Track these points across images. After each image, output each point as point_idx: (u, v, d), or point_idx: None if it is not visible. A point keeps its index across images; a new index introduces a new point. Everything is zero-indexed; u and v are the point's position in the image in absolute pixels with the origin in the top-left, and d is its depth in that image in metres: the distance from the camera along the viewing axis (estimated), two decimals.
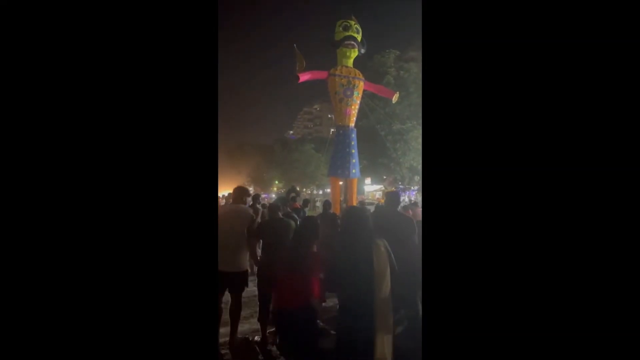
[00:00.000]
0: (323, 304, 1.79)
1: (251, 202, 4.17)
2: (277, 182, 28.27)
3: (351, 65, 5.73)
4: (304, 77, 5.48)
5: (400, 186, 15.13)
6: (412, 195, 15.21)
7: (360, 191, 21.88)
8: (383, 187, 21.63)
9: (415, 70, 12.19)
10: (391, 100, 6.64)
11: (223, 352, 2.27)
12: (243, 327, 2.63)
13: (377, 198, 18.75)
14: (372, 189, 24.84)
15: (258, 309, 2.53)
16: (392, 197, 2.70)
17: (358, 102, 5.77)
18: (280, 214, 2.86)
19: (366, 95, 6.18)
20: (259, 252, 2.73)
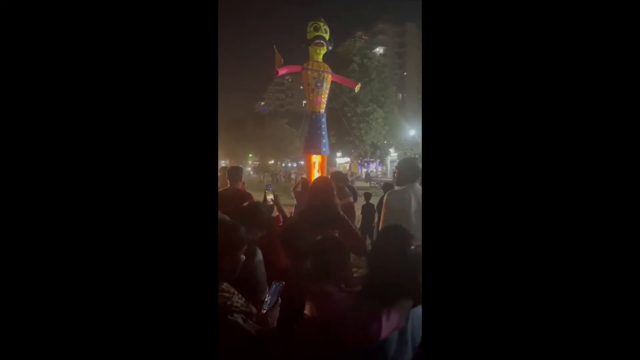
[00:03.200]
0: None
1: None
2: (250, 155, 28.80)
3: (321, 60, 6.83)
4: (282, 71, 6.56)
5: (365, 160, 17.14)
6: (368, 166, 17.47)
7: (332, 163, 23.58)
8: (350, 160, 23.62)
9: (377, 58, 13.59)
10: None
11: None
12: None
13: (347, 170, 20.43)
14: (342, 161, 26.76)
15: None
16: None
17: (327, 91, 6.95)
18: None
19: (334, 84, 7.41)
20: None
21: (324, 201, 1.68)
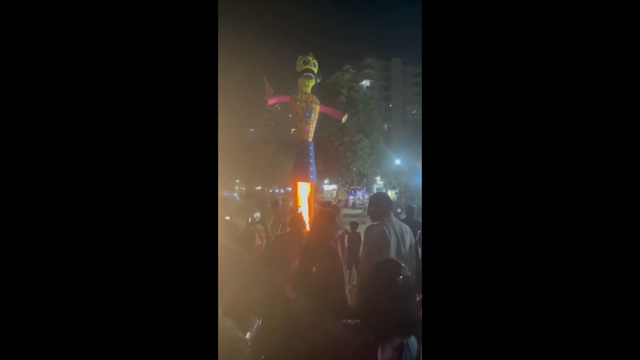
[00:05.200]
0: None
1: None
2: (237, 180, 28.58)
3: (309, 92, 7.12)
4: (271, 101, 6.76)
5: (352, 187, 17.41)
6: (355, 194, 17.70)
7: (320, 190, 23.74)
8: (337, 187, 23.94)
9: (363, 90, 14.32)
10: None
11: None
12: None
13: (335, 197, 20.53)
14: (329, 188, 27.05)
15: None
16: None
17: (315, 121, 7.17)
18: None
19: (322, 114, 7.68)
20: None
21: (324, 233, 1.74)
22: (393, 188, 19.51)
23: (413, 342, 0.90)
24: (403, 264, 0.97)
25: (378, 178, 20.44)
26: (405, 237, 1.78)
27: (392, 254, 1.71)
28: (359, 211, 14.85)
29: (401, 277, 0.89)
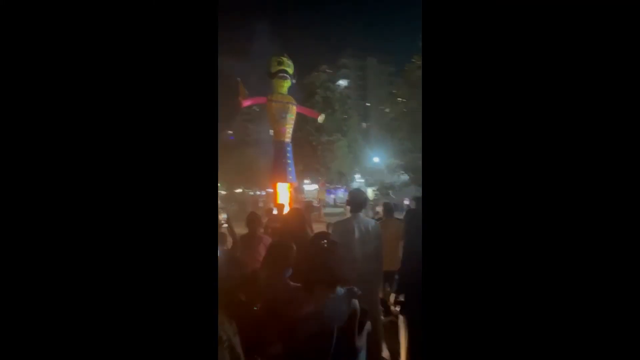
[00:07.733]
0: None
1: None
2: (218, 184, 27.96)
3: (285, 93, 7.12)
4: (246, 102, 6.70)
5: (332, 186, 17.57)
6: (335, 193, 17.91)
7: (301, 190, 23.77)
8: (317, 187, 24.11)
9: (339, 90, 14.47)
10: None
11: None
12: None
13: (315, 197, 20.59)
14: (310, 189, 27.06)
15: None
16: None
17: (292, 122, 7.16)
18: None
19: (299, 115, 7.69)
20: None
21: (296, 228, 1.90)
22: (370, 186, 19.88)
23: (333, 297, 1.09)
24: (330, 233, 1.35)
25: (358, 176, 20.74)
26: (371, 233, 1.89)
27: (356, 248, 1.82)
28: (340, 209, 15.03)
29: (325, 241, 1.18)
